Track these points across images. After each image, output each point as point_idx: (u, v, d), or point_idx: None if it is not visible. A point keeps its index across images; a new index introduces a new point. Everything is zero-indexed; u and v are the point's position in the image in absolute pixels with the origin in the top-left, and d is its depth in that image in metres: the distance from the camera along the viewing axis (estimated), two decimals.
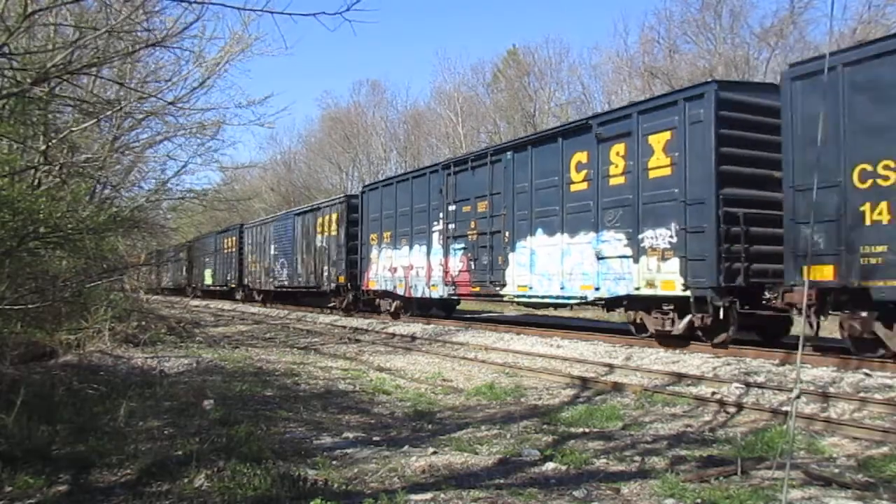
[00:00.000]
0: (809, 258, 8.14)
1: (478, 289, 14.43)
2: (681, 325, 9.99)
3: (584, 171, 11.56)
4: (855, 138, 7.87)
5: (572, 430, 6.23)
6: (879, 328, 7.94)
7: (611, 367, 9.53)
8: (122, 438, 5.35)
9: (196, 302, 32.21)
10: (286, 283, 24.63)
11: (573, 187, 11.76)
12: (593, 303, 12.03)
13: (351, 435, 5.93)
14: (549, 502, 4.03)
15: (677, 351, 10.13)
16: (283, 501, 3.92)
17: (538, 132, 14.69)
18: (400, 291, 17.49)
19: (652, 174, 10.27)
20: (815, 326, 8.43)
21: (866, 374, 7.62)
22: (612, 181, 10.97)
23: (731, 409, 6.77)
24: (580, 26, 61.36)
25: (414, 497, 4.05)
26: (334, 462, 4.94)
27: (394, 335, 15.35)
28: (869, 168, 7.74)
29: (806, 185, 8.30)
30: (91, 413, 6.18)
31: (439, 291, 15.81)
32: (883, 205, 7.58)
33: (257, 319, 22.14)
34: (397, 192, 17.68)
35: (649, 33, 30.65)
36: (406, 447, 5.39)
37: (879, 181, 7.63)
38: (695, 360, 9.29)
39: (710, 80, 10.52)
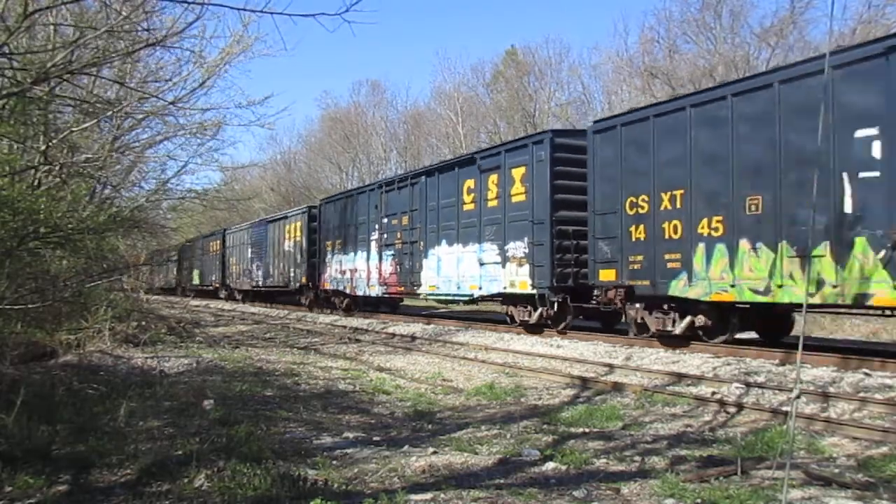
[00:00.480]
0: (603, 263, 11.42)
1: (402, 288, 17.46)
2: (534, 316, 12.93)
3: (472, 195, 14.47)
4: (626, 178, 10.86)
5: (572, 430, 6.23)
6: (645, 315, 10.83)
7: (611, 367, 9.53)
8: (122, 438, 5.35)
9: (196, 302, 32.38)
10: (261, 283, 27.36)
11: (465, 207, 14.72)
12: (478, 299, 14.90)
13: (351, 435, 5.93)
14: (549, 502, 4.03)
15: (677, 351, 10.14)
16: (283, 501, 3.92)
17: (443, 161, 18.39)
18: (348, 291, 20.47)
19: (513, 199, 13.21)
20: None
21: (866, 374, 7.62)
22: (489, 204, 13.90)
23: (731, 409, 6.77)
24: (580, 26, 61.41)
25: (414, 497, 4.05)
26: (334, 462, 4.94)
27: (394, 335, 15.36)
28: (634, 200, 10.75)
29: (601, 210, 11.39)
30: (91, 413, 6.18)
31: (376, 291, 18.75)
32: (641, 227, 10.62)
33: (257, 319, 22.14)
34: (346, 206, 20.63)
35: (649, 33, 30.67)
36: (406, 447, 5.39)
37: (639, 210, 10.66)
38: (695, 360, 9.29)
39: (548, 129, 13.89)
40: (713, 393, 7.56)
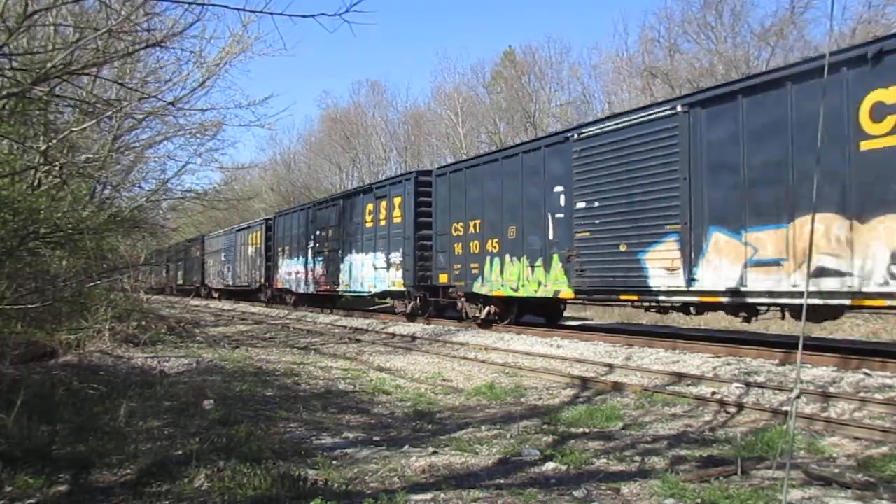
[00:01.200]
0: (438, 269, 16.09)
1: (329, 287, 21.65)
2: (409, 308, 17.39)
3: (371, 216, 18.99)
4: (453, 209, 15.51)
5: (572, 430, 6.23)
6: (466, 305, 15.31)
7: (611, 366, 9.53)
8: (122, 438, 5.36)
9: (196, 302, 32.65)
10: (231, 283, 31.83)
11: (366, 225, 19.21)
12: (375, 295, 19.23)
13: (351, 435, 5.93)
14: (550, 502, 4.03)
15: (677, 351, 10.15)
16: (283, 501, 3.92)
17: (352, 189, 23.59)
18: (293, 289, 24.76)
19: (395, 220, 17.66)
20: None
21: (866, 374, 7.62)
22: (381, 223, 18.39)
23: (732, 409, 6.77)
24: (580, 26, 61.39)
25: (414, 497, 4.06)
26: (334, 462, 4.94)
27: (394, 335, 15.37)
28: (456, 225, 15.36)
29: (440, 231, 16.04)
30: (91, 413, 6.18)
31: (311, 289, 22.98)
32: (460, 244, 15.22)
33: (257, 319, 22.15)
34: (292, 220, 25.18)
35: (649, 33, 30.67)
36: (406, 447, 5.40)
37: (459, 232, 15.25)
38: (695, 360, 9.29)
39: (413, 171, 18.41)
40: (713, 393, 7.56)
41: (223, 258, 33.01)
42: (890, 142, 7.30)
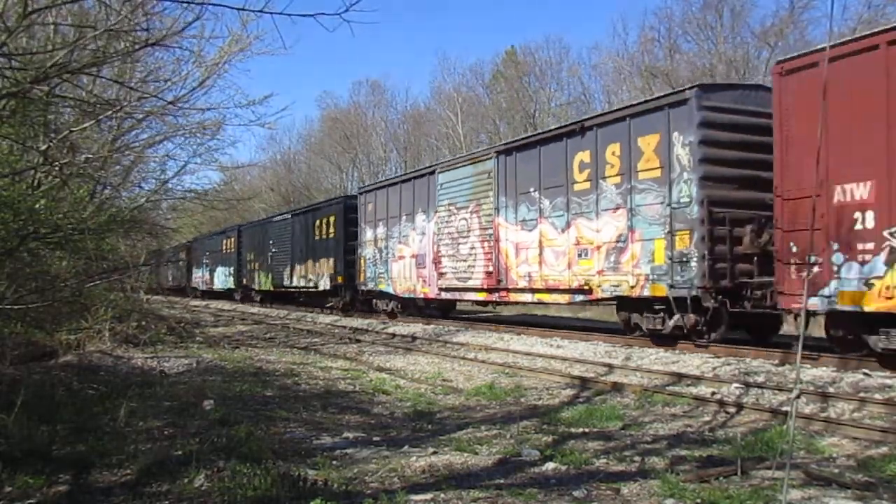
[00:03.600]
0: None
1: (283, 288, 26.64)
2: (340, 304, 21.63)
3: (320, 231, 23.32)
4: (367, 222, 19.93)
5: (572, 430, 6.23)
6: (378, 302, 19.66)
7: (610, 367, 9.53)
8: (122, 438, 5.36)
9: (196, 302, 32.93)
10: (211, 285, 36.35)
11: (315, 238, 23.43)
12: (318, 291, 22.94)
13: (351, 435, 5.93)
14: (549, 502, 4.03)
15: (677, 351, 10.15)
16: (283, 501, 3.92)
17: (295, 209, 29.07)
18: (258, 288, 29.66)
19: (317, 236, 23.02)
20: (377, 306, 19.88)
21: (865, 374, 7.62)
22: (317, 237, 23.18)
23: (731, 409, 6.77)
24: (580, 26, 61.39)
25: (414, 497, 4.06)
26: (334, 462, 4.94)
27: (394, 335, 15.37)
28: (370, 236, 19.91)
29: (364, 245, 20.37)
30: (91, 413, 6.18)
31: (269, 287, 27.96)
32: (372, 252, 19.75)
33: (257, 319, 22.15)
34: (259, 231, 29.93)
35: (649, 33, 30.65)
36: (406, 447, 5.40)
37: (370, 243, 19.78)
38: (694, 360, 9.29)
39: (342, 195, 25.21)
40: (713, 393, 7.56)
41: (205, 261, 37.59)
42: (585, 185, 11.70)
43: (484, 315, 20.18)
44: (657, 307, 10.49)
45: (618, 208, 10.90)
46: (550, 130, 13.03)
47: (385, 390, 8.46)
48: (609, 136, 11.08)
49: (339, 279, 20.94)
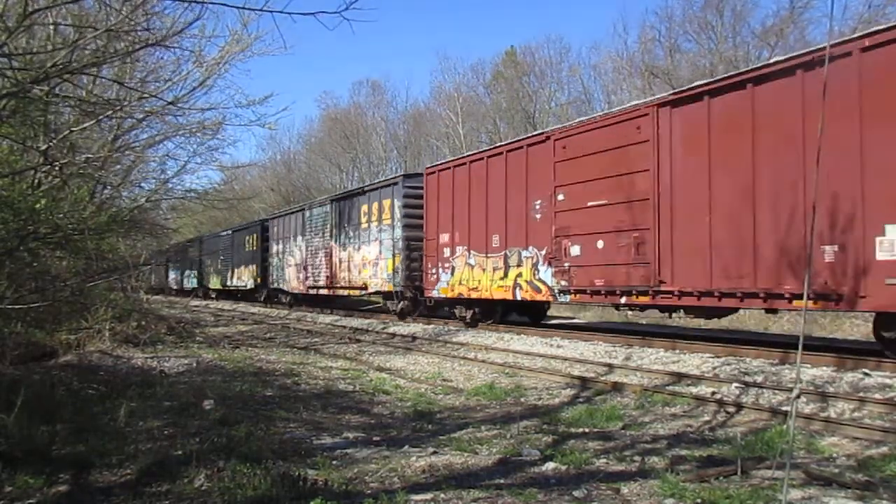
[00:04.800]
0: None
1: (226, 285, 32.89)
2: (262, 297, 28.23)
3: (248, 245, 29.77)
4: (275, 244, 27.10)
5: (572, 430, 6.23)
6: (280, 296, 27.27)
7: (610, 367, 9.53)
8: (122, 438, 5.36)
9: (196, 302, 33.04)
10: (182, 285, 40.57)
11: (245, 249, 29.94)
12: (249, 289, 29.78)
13: (351, 435, 5.93)
14: (550, 502, 4.03)
15: (677, 351, 10.15)
16: (283, 501, 3.92)
17: (234, 227, 34.09)
18: (212, 286, 35.43)
19: (247, 248, 29.73)
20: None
21: (865, 374, 7.62)
22: (246, 249, 29.90)
23: (731, 409, 6.77)
24: (580, 26, 61.36)
25: (414, 497, 4.06)
26: (334, 462, 4.94)
27: (394, 335, 15.37)
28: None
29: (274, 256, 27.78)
30: (91, 413, 6.18)
31: (218, 286, 34.04)
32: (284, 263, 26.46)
33: (257, 319, 22.16)
34: (210, 243, 35.31)
35: (650, 32, 30.63)
36: (406, 447, 5.40)
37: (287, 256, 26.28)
38: (694, 360, 9.29)
39: (259, 220, 31.66)
40: (713, 393, 7.56)
41: (177, 267, 42.11)
42: (364, 225, 19.47)
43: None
44: (393, 296, 18.05)
45: (376, 240, 18.61)
46: (352, 190, 21.65)
47: (385, 390, 8.46)
48: (373, 197, 18.92)
49: (259, 280, 28.51)
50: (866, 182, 7.65)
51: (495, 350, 11.90)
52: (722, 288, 9.19)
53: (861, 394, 6.95)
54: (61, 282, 8.11)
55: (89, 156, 8.83)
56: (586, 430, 6.23)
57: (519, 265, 13.20)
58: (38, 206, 6.33)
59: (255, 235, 28.87)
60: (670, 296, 9.99)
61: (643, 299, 10.49)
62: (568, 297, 12.04)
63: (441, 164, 16.24)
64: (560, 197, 12.10)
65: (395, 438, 5.82)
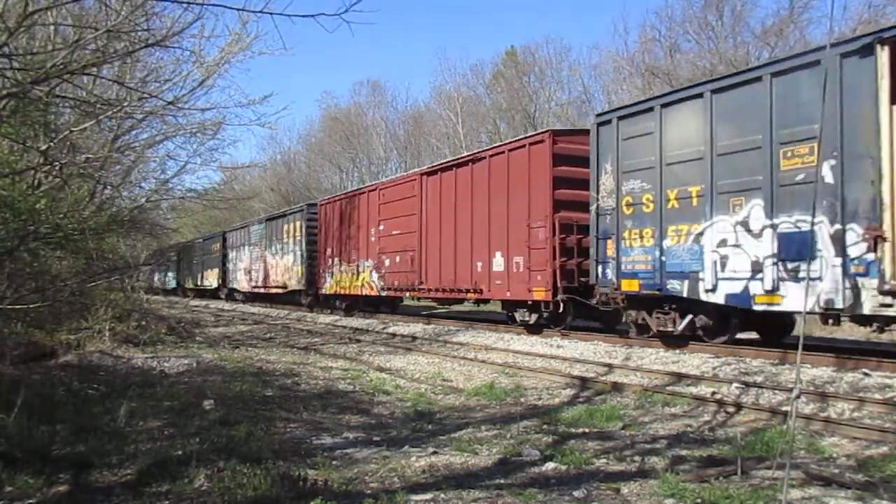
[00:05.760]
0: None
1: (197, 286, 37.56)
2: (224, 295, 33.64)
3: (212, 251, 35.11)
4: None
5: (572, 430, 6.23)
6: (236, 294, 32.56)
7: (610, 367, 9.53)
8: (122, 438, 5.36)
9: (196, 302, 33.11)
10: (164, 285, 42.42)
11: (204, 255, 36.45)
12: (212, 288, 35.29)
13: (351, 435, 5.93)
14: (550, 502, 4.04)
15: (677, 351, 10.15)
16: (283, 501, 3.92)
17: (204, 236, 37.42)
18: (188, 286, 39.18)
19: (213, 255, 34.66)
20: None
21: (865, 374, 7.62)
22: (212, 255, 34.70)
23: (731, 409, 6.77)
24: (580, 26, 61.36)
25: (414, 497, 4.06)
26: (334, 462, 4.94)
27: (394, 335, 15.37)
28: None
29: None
30: (91, 413, 6.18)
31: (192, 286, 38.22)
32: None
33: (257, 319, 22.16)
34: (187, 249, 37.88)
35: (650, 32, 30.62)
36: (406, 447, 5.40)
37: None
38: (694, 360, 9.29)
39: (221, 230, 35.62)
40: (713, 393, 7.56)
41: (161, 269, 44.56)
42: (287, 240, 25.84)
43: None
44: (307, 294, 23.70)
45: (292, 251, 24.44)
46: (278, 213, 27.90)
47: (385, 390, 8.46)
48: (290, 220, 24.99)
49: (220, 281, 33.56)
50: (491, 229, 13.86)
51: (495, 350, 11.91)
52: (445, 286, 15.44)
53: (861, 394, 6.95)
54: (61, 282, 8.12)
55: (89, 156, 8.84)
56: (586, 430, 6.23)
57: (363, 272, 19.53)
58: (38, 206, 6.33)
59: (218, 244, 33.93)
60: (426, 290, 16.26)
61: (413, 293, 17.12)
62: (385, 293, 18.47)
63: (327, 199, 23.20)
64: (381, 227, 18.58)
65: (395, 438, 5.82)
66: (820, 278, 7.77)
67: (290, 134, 73.56)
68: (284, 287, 24.84)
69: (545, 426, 6.38)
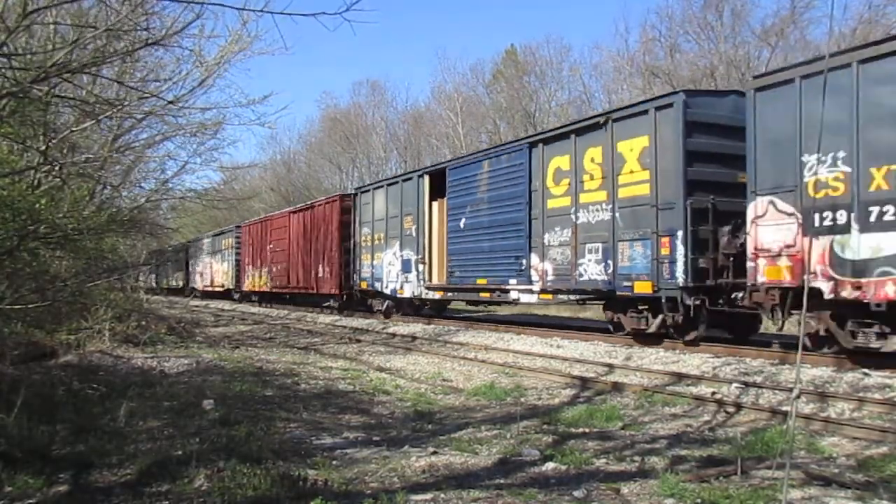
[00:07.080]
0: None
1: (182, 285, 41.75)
2: (187, 293, 36.99)
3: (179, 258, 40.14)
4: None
5: (572, 430, 6.23)
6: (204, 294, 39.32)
7: (610, 367, 9.53)
8: (122, 438, 5.36)
9: (196, 302, 33.17)
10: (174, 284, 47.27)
11: (176, 261, 40.60)
12: (178, 287, 40.53)
13: (351, 435, 5.93)
14: (550, 502, 4.03)
15: (677, 351, 10.15)
16: (283, 501, 3.92)
17: (177, 245, 36.47)
18: (163, 286, 39.52)
19: (180, 260, 40.18)
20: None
21: (865, 374, 7.62)
22: (180, 261, 40.29)
23: (731, 409, 6.77)
24: (580, 26, 61.39)
25: (414, 497, 4.06)
26: (334, 462, 4.94)
27: (394, 335, 15.37)
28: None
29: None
30: (91, 413, 6.18)
31: (166, 286, 39.75)
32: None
33: (257, 319, 22.17)
34: (169, 255, 39.77)
35: (650, 32, 30.62)
36: (406, 447, 5.40)
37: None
38: (695, 360, 9.29)
39: (186, 241, 37.88)
40: (713, 393, 7.56)
41: (170, 266, 48.03)
42: (223, 249, 35.35)
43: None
44: (236, 291, 31.69)
45: (227, 259, 32.25)
46: (220, 230, 34.68)
47: (385, 390, 8.46)
48: (227, 235, 32.48)
49: (185, 282, 39.39)
50: (315, 249, 22.15)
51: (495, 350, 11.91)
52: (302, 285, 23.18)
53: (861, 394, 6.94)
54: (61, 282, 8.11)
55: (89, 156, 8.84)
56: (586, 430, 6.23)
57: (264, 275, 27.53)
58: (37, 205, 6.33)
59: (182, 252, 39.92)
60: (291, 287, 24.38)
61: (285, 290, 25.15)
62: (273, 290, 26.60)
63: (248, 222, 31.28)
64: (271, 245, 26.76)
65: (395, 438, 5.82)
66: (409, 281, 17.38)
67: (290, 134, 73.73)
68: (223, 286, 33.63)
69: (545, 426, 6.38)
